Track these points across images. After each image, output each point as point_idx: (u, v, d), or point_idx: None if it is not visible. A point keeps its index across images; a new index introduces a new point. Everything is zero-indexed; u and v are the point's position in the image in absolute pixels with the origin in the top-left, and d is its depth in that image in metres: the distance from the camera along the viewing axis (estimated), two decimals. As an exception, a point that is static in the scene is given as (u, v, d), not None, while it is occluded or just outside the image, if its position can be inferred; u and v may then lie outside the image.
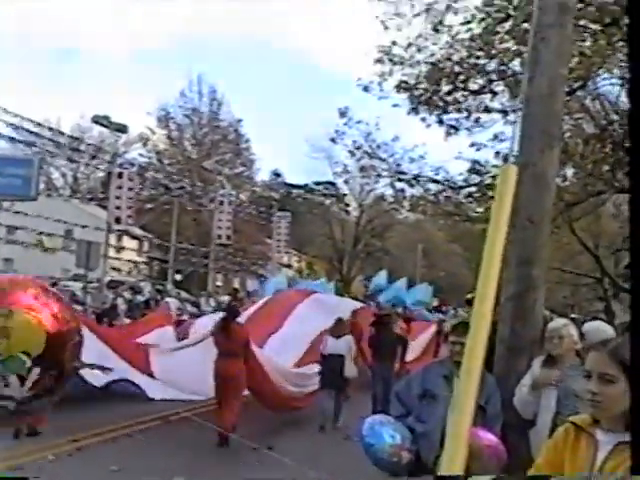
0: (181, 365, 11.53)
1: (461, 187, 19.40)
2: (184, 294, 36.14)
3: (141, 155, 58.01)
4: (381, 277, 34.37)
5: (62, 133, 40.61)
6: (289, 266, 59.46)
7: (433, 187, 19.79)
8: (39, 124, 32.84)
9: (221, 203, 38.47)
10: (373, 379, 12.92)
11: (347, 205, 68.52)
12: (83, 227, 31.04)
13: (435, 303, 35.23)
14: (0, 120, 26.02)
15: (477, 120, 17.55)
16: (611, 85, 17.41)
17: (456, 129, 17.67)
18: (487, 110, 17.50)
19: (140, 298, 26.49)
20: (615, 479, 2.54)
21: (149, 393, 11.54)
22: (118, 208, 28.59)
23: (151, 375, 11.70)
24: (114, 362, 11.25)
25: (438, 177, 19.29)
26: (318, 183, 67.56)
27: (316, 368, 12.46)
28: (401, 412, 5.18)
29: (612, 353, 2.66)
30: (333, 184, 64.27)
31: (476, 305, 2.61)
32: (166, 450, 9.63)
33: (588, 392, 2.65)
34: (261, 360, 11.23)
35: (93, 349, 10.51)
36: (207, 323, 13.14)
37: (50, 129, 37.36)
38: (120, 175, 29.26)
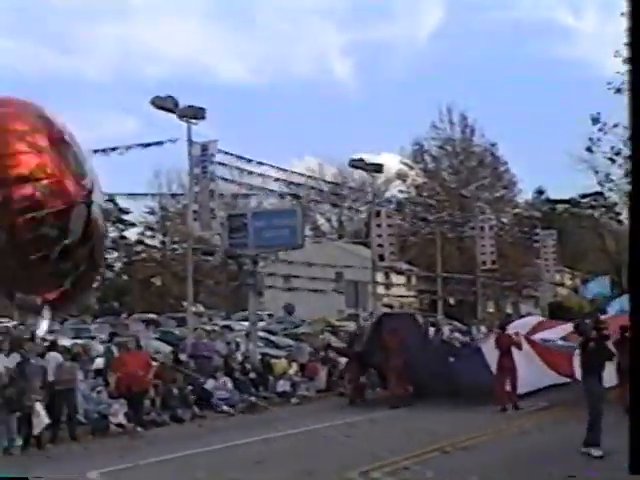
0: None
1: None
2: (456, 323, 36.14)
3: (401, 191, 59.33)
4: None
5: (324, 180, 42.81)
6: (562, 285, 57.15)
7: None
8: (305, 175, 34.82)
9: (482, 229, 38.17)
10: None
11: (618, 214, 64.54)
12: (350, 268, 32.25)
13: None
14: (267, 176, 27.79)
15: None
16: None
17: None
18: None
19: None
20: None
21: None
22: (380, 246, 29.38)
23: (572, 376, 15.91)
24: (543, 370, 17.54)
25: None
26: (584, 195, 64.54)
27: None
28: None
29: None
30: (601, 194, 60.98)
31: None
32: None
33: None
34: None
35: (530, 360, 17.31)
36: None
37: (313, 178, 39.36)
38: (379, 213, 30.13)
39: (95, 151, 22.72)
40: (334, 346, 24.63)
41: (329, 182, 44.57)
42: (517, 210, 61.50)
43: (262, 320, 38.63)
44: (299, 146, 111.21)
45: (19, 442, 13.19)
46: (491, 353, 17.26)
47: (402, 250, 40.01)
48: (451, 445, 12.21)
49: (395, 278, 49.33)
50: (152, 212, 70.79)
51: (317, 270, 32.50)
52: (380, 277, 37.96)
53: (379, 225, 29.50)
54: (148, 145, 22.93)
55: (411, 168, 59.70)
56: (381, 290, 35.97)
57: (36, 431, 13.25)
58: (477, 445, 12.28)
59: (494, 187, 58.73)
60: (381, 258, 29.77)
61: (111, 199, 66.26)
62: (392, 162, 59.82)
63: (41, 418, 13.24)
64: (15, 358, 14.56)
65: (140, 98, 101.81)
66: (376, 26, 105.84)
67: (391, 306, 44.14)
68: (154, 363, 17.73)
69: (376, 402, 19.08)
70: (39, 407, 13.31)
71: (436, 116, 57.87)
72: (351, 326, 31.64)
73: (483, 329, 29.41)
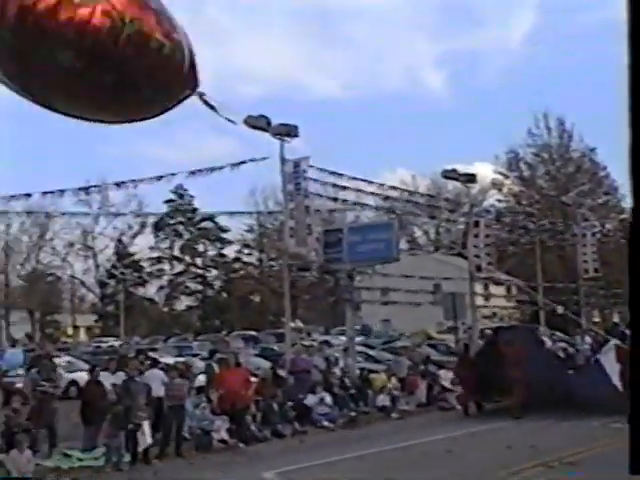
0: None
1: None
2: (559, 334, 35.16)
3: (499, 201, 58.31)
4: None
5: (418, 193, 42.53)
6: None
7: None
8: (400, 189, 34.63)
9: (583, 236, 37.06)
10: None
11: None
12: (448, 280, 31.85)
13: None
14: (362, 191, 27.71)
15: None
16: None
17: None
18: None
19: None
20: None
21: None
22: (477, 257, 28.88)
23: None
24: None
25: None
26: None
27: None
28: None
29: None
30: None
31: None
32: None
33: None
34: None
35: None
36: None
37: (407, 191, 39.13)
38: (476, 224, 29.62)
39: (192, 172, 23.31)
40: (434, 359, 24.39)
41: (424, 194, 44.25)
42: (623, 216, 59.45)
43: (362, 335, 38.64)
44: (391, 159, 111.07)
45: (127, 458, 13.57)
46: (611, 365, 17.04)
47: (500, 260, 39.23)
48: (557, 459, 11.85)
49: (494, 289, 48.45)
50: (250, 230, 72.08)
51: (414, 283, 32.16)
52: (479, 288, 37.30)
53: (476, 236, 29.01)
54: (241, 164, 23.21)
55: (506, 177, 58.67)
56: (480, 301, 35.37)
57: (141, 448, 13.59)
58: (583, 460, 11.87)
59: (595, 193, 57.05)
60: (478, 269, 29.25)
61: (211, 218, 68.29)
62: (486, 171, 58.99)
63: (145, 436, 13.57)
64: (120, 376, 15.03)
65: (234, 117, 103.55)
66: (467, 35, 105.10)
67: (492, 316, 43.36)
68: (254, 379, 17.97)
69: (480, 414, 18.80)
70: (145, 425, 13.65)
71: (532, 122, 56.85)
72: (451, 339, 31.26)
73: (587, 339, 28.51)
